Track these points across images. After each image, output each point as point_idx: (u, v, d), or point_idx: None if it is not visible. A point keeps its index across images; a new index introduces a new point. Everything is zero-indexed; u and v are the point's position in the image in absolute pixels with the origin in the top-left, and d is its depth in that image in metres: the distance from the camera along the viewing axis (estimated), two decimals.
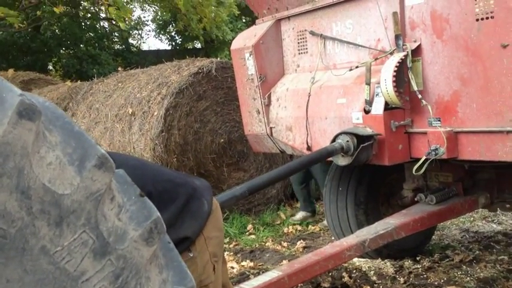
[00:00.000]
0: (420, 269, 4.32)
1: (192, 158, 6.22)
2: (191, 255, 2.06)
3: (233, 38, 5.13)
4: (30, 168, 1.00)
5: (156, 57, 15.06)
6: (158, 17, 21.28)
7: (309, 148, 3.92)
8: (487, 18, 2.77)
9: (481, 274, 4.08)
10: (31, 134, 0.99)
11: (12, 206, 0.99)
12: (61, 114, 1.11)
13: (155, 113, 5.99)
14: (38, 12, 14.92)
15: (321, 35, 3.82)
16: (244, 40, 4.32)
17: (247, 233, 5.86)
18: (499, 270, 4.12)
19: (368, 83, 3.32)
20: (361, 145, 3.26)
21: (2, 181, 0.97)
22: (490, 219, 5.59)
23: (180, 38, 20.33)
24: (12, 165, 0.98)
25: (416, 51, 3.18)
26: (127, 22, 19.17)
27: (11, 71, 11.28)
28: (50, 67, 17.71)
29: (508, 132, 2.76)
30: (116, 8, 8.69)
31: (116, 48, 19.08)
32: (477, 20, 2.82)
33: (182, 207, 2.08)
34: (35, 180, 1.01)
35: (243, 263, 4.85)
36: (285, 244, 5.37)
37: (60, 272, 1.06)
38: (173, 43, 21.08)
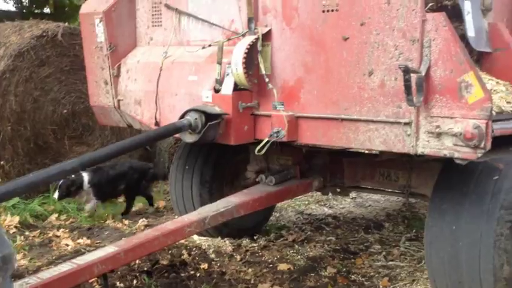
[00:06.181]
0: (256, 247, 4.52)
1: (30, 128, 5.78)
2: None
3: None
4: None
5: None
6: None
7: (157, 123, 3.85)
8: (332, 10, 2.94)
9: (311, 253, 4.40)
10: None
11: None
12: None
13: None
14: None
15: (176, 9, 3.76)
16: (95, 4, 4.08)
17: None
18: (327, 250, 4.47)
19: (219, 63, 3.35)
20: (209, 123, 3.28)
21: None
22: (322, 203, 6.03)
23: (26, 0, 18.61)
24: None
25: (267, 36, 3.27)
26: None
27: None
28: None
29: (342, 119, 2.98)
30: None
31: None
32: (323, 11, 2.98)
33: None
34: None
35: (79, 241, 4.64)
36: (126, 222, 5.24)
37: None
38: (19, 5, 19.23)
